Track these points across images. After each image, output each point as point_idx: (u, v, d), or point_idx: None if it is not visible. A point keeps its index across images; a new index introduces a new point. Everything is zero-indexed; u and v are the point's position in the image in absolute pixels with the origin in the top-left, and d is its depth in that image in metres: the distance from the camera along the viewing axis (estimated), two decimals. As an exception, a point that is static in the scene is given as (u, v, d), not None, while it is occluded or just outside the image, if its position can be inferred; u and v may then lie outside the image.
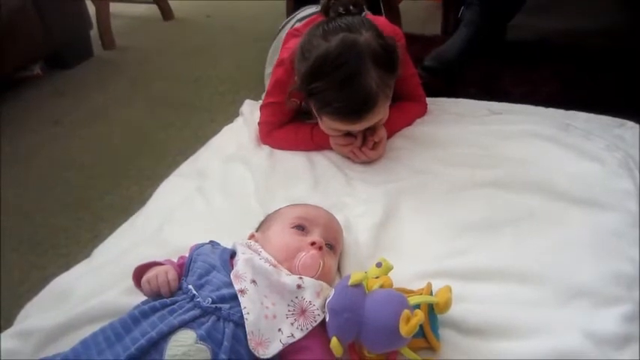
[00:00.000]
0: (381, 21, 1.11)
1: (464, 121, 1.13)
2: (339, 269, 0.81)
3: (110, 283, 0.82)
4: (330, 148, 1.08)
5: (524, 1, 1.48)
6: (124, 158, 1.49)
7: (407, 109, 1.14)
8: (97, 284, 0.83)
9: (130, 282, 0.74)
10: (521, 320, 0.70)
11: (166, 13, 2.44)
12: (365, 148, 1.02)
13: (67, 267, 0.94)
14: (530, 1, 1.48)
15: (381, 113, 0.99)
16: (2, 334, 0.78)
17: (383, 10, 1.75)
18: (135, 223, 1.01)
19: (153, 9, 2.43)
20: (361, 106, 0.94)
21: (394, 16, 1.79)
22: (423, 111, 1.17)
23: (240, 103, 1.32)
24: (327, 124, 1.01)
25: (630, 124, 1.07)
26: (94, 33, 2.14)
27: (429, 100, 1.18)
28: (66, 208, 1.34)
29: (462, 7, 1.50)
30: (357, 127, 0.99)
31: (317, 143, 1.08)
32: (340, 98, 0.93)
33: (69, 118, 1.75)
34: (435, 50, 1.46)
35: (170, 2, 2.44)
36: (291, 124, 1.13)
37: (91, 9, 2.17)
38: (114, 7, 2.26)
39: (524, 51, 1.48)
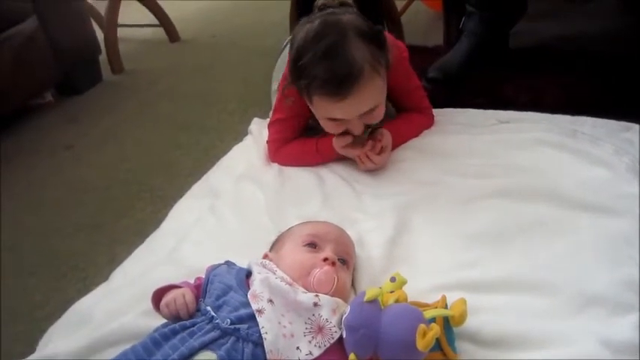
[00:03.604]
0: (392, 39, 1.13)
1: (471, 131, 1.13)
2: (353, 284, 0.82)
3: (129, 305, 0.83)
4: (335, 157, 1.09)
5: (525, 8, 1.49)
6: (137, 180, 1.51)
7: (413, 120, 1.15)
8: (116, 307, 0.85)
9: (149, 304, 0.75)
10: (536, 330, 0.70)
11: (172, 35, 2.47)
12: (371, 152, 1.03)
13: (85, 290, 0.96)
14: (531, 8, 1.49)
15: (372, 92, 0.96)
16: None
17: (385, 23, 1.77)
18: (150, 245, 1.03)
19: (159, 32, 2.47)
20: (346, 76, 0.92)
21: (396, 28, 1.81)
22: (430, 122, 1.17)
23: (249, 122, 1.34)
24: (320, 112, 1.00)
25: (637, 127, 1.07)
26: (102, 58, 2.18)
27: (435, 111, 1.19)
28: (82, 231, 1.36)
29: (464, 17, 1.51)
30: (349, 107, 0.96)
31: (322, 153, 1.09)
32: (325, 69, 0.92)
33: (81, 142, 1.78)
34: (438, 61, 1.47)
35: (176, 24, 2.49)
36: (297, 140, 1.15)
37: (99, 34, 2.22)
38: (121, 32, 2.30)
39: (528, 58, 1.49)
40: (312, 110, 1.04)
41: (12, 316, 1.13)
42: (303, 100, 1.05)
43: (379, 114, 1.02)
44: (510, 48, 1.53)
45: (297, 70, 0.96)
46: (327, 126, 1.03)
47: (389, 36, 1.14)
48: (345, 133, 1.04)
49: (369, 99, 0.97)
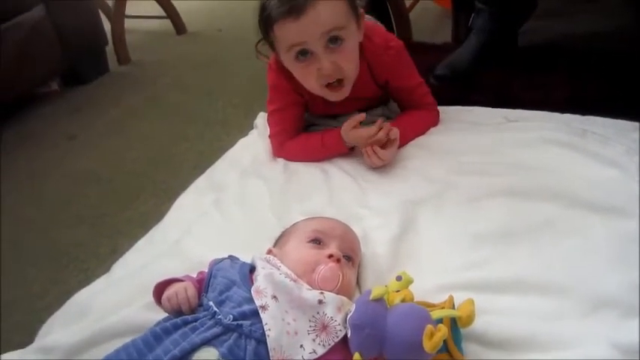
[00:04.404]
0: (379, 29, 1.13)
1: (479, 129, 1.12)
2: (358, 282, 0.80)
3: (130, 298, 0.83)
4: (341, 151, 1.08)
5: (534, 7, 1.47)
6: (141, 172, 1.51)
7: (419, 118, 1.14)
8: (116, 299, 0.84)
9: (150, 297, 0.74)
10: (545, 332, 0.69)
11: (179, 28, 2.47)
12: (377, 147, 1.02)
13: (86, 281, 0.95)
14: (541, 6, 1.47)
15: (331, 9, 0.93)
16: (25, 349, 0.80)
17: (393, 19, 1.76)
18: (153, 237, 1.02)
19: (166, 24, 2.46)
20: None
21: (404, 25, 1.79)
22: (435, 119, 1.16)
23: (254, 116, 1.33)
24: (283, 43, 0.97)
25: (647, 127, 1.05)
26: (109, 48, 2.18)
27: (442, 109, 1.18)
28: (84, 222, 1.35)
29: (473, 15, 1.50)
30: (307, 25, 0.93)
31: (327, 146, 1.08)
32: None
33: (86, 132, 1.78)
34: (447, 59, 1.46)
35: (182, 17, 2.48)
36: (301, 134, 1.14)
37: (107, 25, 2.21)
38: (128, 23, 2.29)
39: (537, 56, 1.47)
40: (279, 54, 1.01)
41: (12, 306, 1.12)
42: (290, 80, 1.04)
43: (350, 52, 0.98)
44: (519, 46, 1.52)
45: (260, 7, 0.97)
46: (297, 69, 1.01)
47: (382, 30, 1.13)
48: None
49: (328, 15, 0.93)
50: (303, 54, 0.97)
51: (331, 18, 0.94)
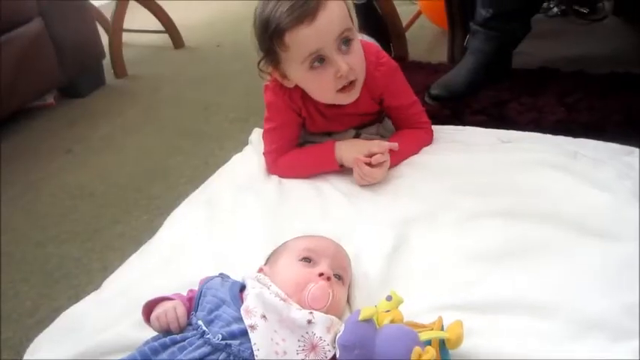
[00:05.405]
0: (373, 46, 1.13)
1: (473, 149, 1.13)
2: (348, 301, 0.80)
3: (120, 315, 0.82)
4: (335, 166, 1.08)
5: (529, 28, 1.49)
6: (134, 187, 1.50)
7: (412, 136, 1.14)
8: (107, 316, 0.84)
9: (140, 315, 0.74)
10: (534, 353, 0.69)
11: (177, 42, 2.48)
12: (366, 166, 1.02)
13: (76, 298, 0.95)
14: (535, 28, 1.49)
15: (340, 12, 0.95)
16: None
17: (390, 38, 1.78)
18: (144, 254, 1.02)
19: (164, 38, 2.48)
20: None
21: (401, 44, 1.82)
22: (428, 138, 1.17)
23: (249, 131, 1.33)
24: (297, 53, 0.96)
25: (638, 151, 1.06)
26: (105, 61, 2.19)
27: (436, 128, 1.19)
28: (76, 237, 1.34)
29: (468, 35, 1.52)
30: (321, 27, 0.94)
31: (318, 161, 1.09)
32: (287, 3, 0.93)
33: (81, 146, 1.78)
34: (442, 78, 1.47)
35: (181, 32, 2.50)
36: (295, 150, 1.15)
37: (104, 38, 2.22)
38: (126, 37, 2.31)
39: (530, 78, 1.49)
40: (289, 67, 1.01)
41: (1, 322, 1.11)
42: (288, 99, 1.06)
43: (359, 52, 1.00)
44: (513, 67, 1.53)
45: (263, 23, 0.97)
46: (311, 77, 1.01)
47: (370, 44, 1.14)
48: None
49: (338, 17, 0.96)
50: (319, 61, 0.98)
51: (341, 19, 0.96)
